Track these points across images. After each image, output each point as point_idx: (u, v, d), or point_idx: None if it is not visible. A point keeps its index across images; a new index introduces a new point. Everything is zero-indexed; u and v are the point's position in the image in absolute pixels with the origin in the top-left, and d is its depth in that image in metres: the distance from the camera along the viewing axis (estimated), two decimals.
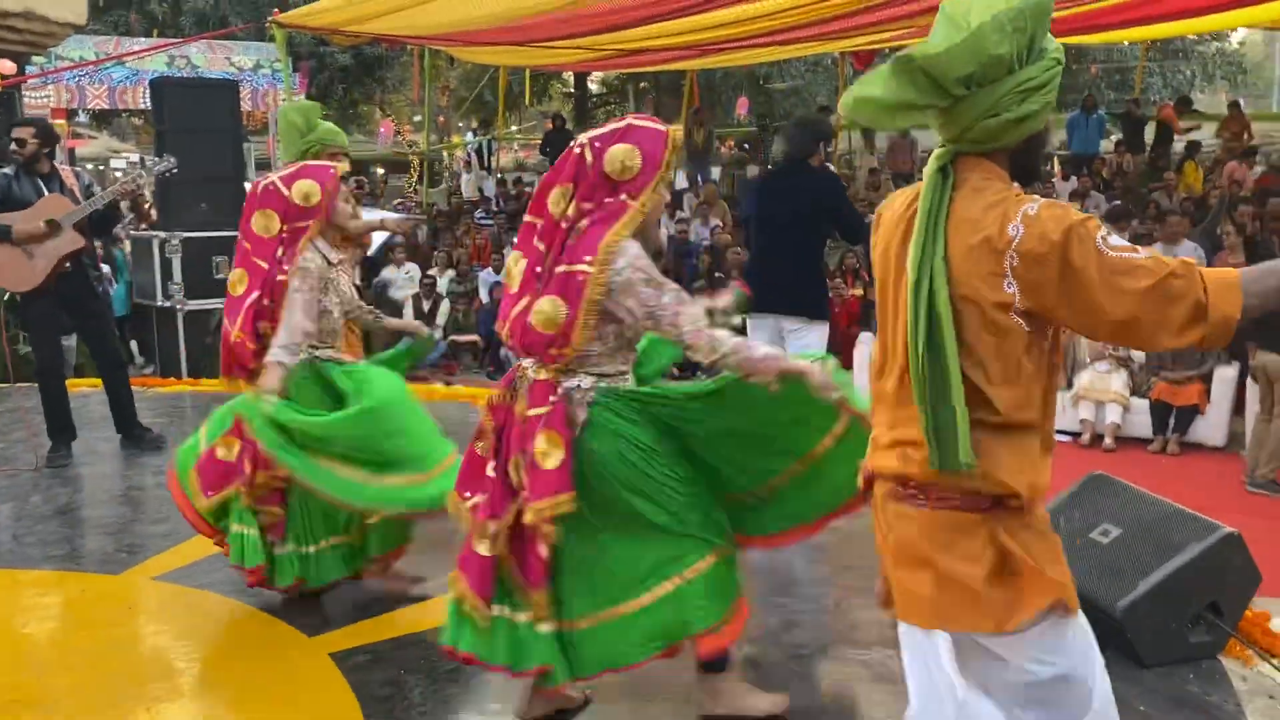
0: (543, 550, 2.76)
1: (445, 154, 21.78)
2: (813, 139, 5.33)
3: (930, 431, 1.88)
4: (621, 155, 2.71)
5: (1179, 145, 14.12)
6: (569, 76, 23.14)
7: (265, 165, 17.20)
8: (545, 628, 2.82)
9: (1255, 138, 15.97)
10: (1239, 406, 7.38)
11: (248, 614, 3.92)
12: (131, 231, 9.34)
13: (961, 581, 1.95)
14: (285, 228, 3.76)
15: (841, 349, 9.91)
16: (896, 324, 1.98)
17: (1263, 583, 3.71)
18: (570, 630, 2.84)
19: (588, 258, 2.68)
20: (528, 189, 15.27)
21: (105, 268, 9.17)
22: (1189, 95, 15.80)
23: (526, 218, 2.90)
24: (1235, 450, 7.34)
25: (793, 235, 5.18)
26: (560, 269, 2.71)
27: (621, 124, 2.80)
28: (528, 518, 2.73)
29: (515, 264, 2.86)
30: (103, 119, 22.32)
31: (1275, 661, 3.58)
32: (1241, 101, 15.84)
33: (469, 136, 21.38)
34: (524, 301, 2.77)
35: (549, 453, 2.71)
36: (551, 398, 2.75)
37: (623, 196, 2.72)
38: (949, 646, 1.98)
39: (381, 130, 20.92)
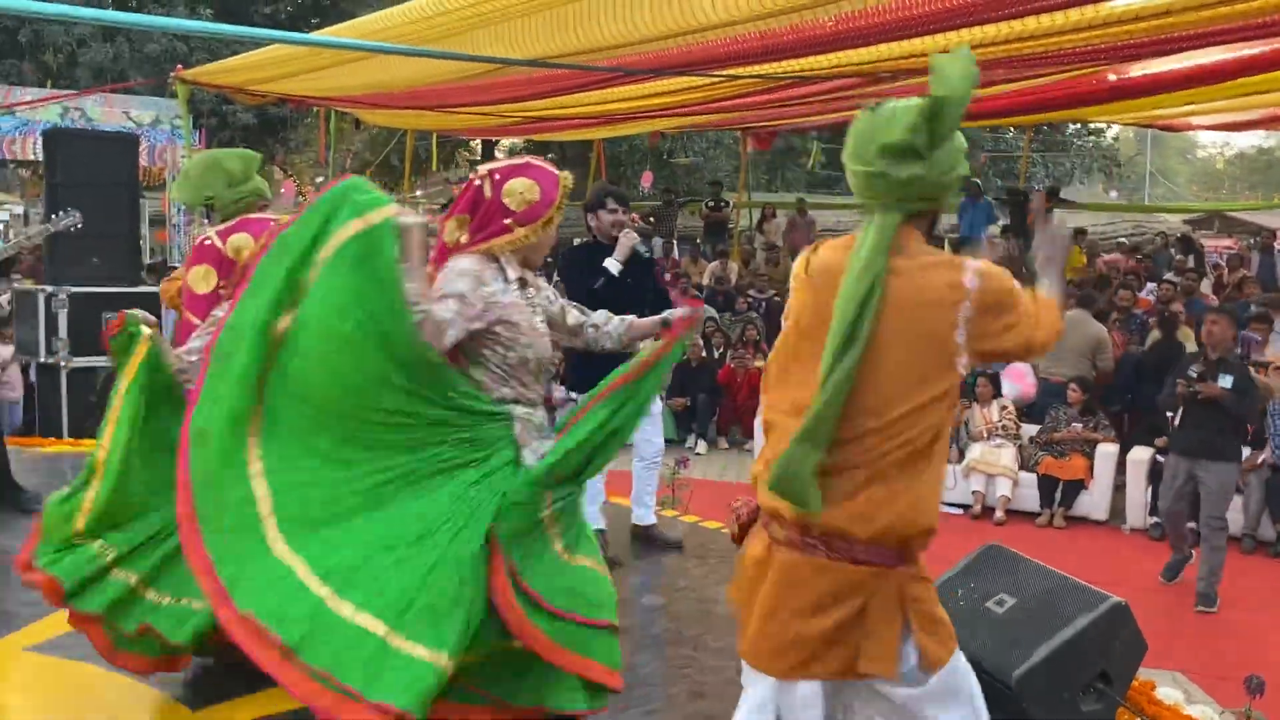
0: None
1: None
2: (585, 211, 5.28)
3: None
4: (521, 188, 2.82)
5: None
6: (476, 144, 23.25)
7: (160, 221, 16.76)
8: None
9: (1130, 226, 16.92)
10: (1119, 483, 7.69)
11: (129, 686, 3.71)
12: (14, 284, 8.98)
13: (881, 632, 2.04)
14: (223, 283, 3.66)
15: (741, 420, 10.06)
16: (810, 381, 2.07)
17: (1148, 652, 3.84)
18: None
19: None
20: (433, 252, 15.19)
21: None
22: (1057, 186, 16.74)
23: (432, 257, 2.92)
24: (1116, 524, 7.62)
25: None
26: None
27: (520, 160, 2.91)
28: None
29: None
30: None
31: None
32: (1115, 193, 16.85)
33: None
34: None
35: None
36: None
37: (507, 221, 2.82)
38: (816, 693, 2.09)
39: (284, 190, 20.66)
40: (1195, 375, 5.93)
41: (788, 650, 2.08)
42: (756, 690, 2.18)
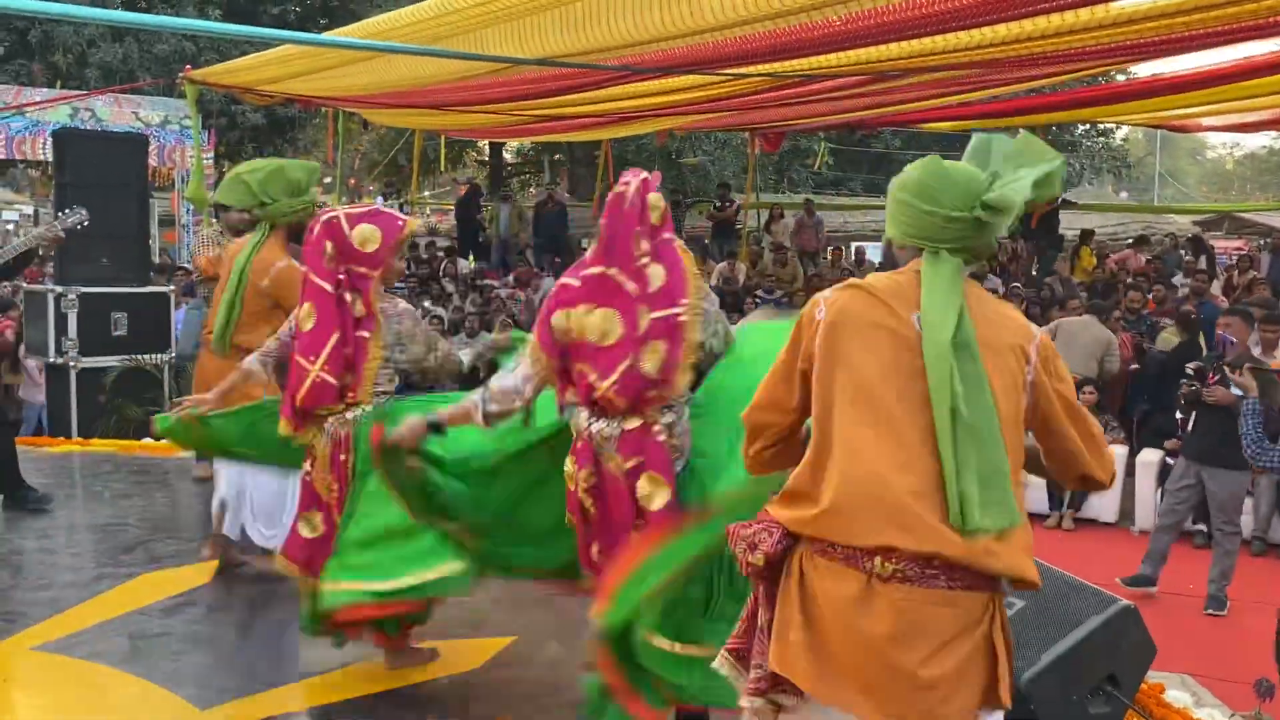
0: None
1: None
2: None
3: (972, 486, 1.96)
4: (656, 201, 2.99)
5: (1069, 232, 14.84)
6: (484, 145, 23.27)
7: (169, 222, 16.80)
8: None
9: (1140, 228, 16.84)
10: (1128, 485, 7.64)
11: (135, 685, 3.73)
12: (24, 284, 9.00)
13: (989, 661, 2.04)
14: (342, 268, 3.65)
15: None
16: (910, 416, 2.04)
17: (1157, 655, 3.82)
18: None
19: (683, 301, 2.86)
20: (440, 254, 15.20)
21: None
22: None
23: (596, 270, 2.95)
24: (1125, 526, 7.58)
25: None
26: (657, 314, 2.84)
27: (637, 175, 3.06)
28: None
29: (605, 320, 2.88)
30: None
31: None
32: (1125, 194, 16.82)
33: (379, 200, 21.28)
34: (631, 357, 2.84)
35: (653, 494, 2.83)
36: (645, 442, 2.87)
37: (666, 235, 2.96)
38: None
39: None
40: (1192, 372, 5.83)
41: (920, 694, 2.00)
42: None
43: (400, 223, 3.74)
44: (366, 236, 3.64)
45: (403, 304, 3.86)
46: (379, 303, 3.70)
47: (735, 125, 14.66)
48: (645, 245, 2.93)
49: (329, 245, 3.65)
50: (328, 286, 3.64)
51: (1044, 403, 2.11)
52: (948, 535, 1.97)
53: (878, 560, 1.99)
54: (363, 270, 3.66)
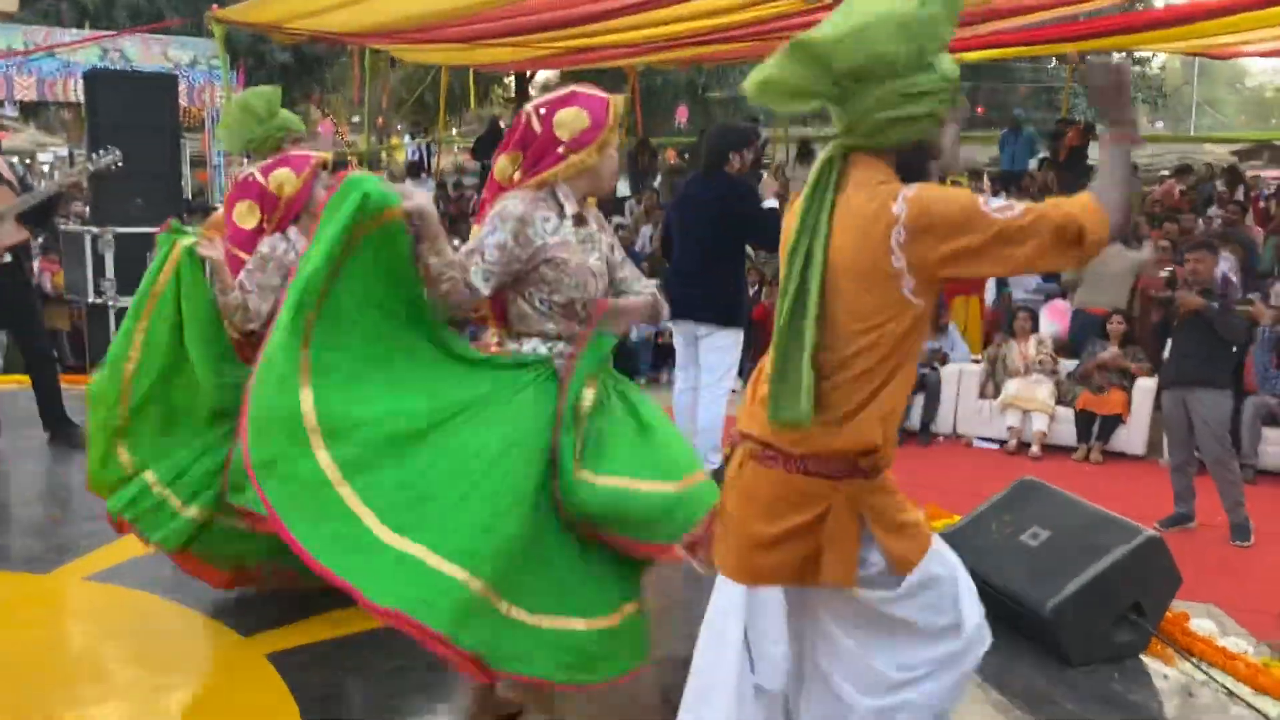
0: None
1: (384, 155, 21.56)
2: (727, 146, 5.32)
3: (776, 383, 2.09)
4: (570, 118, 2.79)
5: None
6: (510, 81, 23.09)
7: (200, 162, 16.88)
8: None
9: (1175, 158, 16.49)
10: (1157, 418, 7.61)
11: (183, 614, 3.85)
12: (62, 225, 9.11)
13: (831, 541, 2.15)
14: (265, 218, 3.69)
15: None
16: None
17: (1182, 585, 3.86)
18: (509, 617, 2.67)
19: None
20: (468, 192, 15.19)
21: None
22: (1093, 123, 15.97)
23: (484, 195, 2.97)
24: (1154, 458, 7.57)
25: (706, 242, 5.25)
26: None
27: (565, 91, 2.87)
28: None
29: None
30: (29, 111, 21.72)
31: (1194, 660, 3.73)
32: (1160, 124, 16.44)
33: (407, 139, 21.22)
34: None
35: None
36: None
37: (560, 151, 2.79)
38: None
39: (321, 129, 20.72)
40: (1165, 276, 5.72)
41: (750, 557, 2.19)
42: (724, 595, 2.24)
43: (310, 158, 3.74)
44: (282, 180, 3.66)
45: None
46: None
47: (766, 55, 14.44)
48: (521, 168, 2.87)
49: (248, 204, 3.70)
50: (243, 255, 3.68)
51: (934, 268, 2.02)
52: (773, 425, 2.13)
53: (747, 442, 2.23)
54: (281, 215, 3.69)
